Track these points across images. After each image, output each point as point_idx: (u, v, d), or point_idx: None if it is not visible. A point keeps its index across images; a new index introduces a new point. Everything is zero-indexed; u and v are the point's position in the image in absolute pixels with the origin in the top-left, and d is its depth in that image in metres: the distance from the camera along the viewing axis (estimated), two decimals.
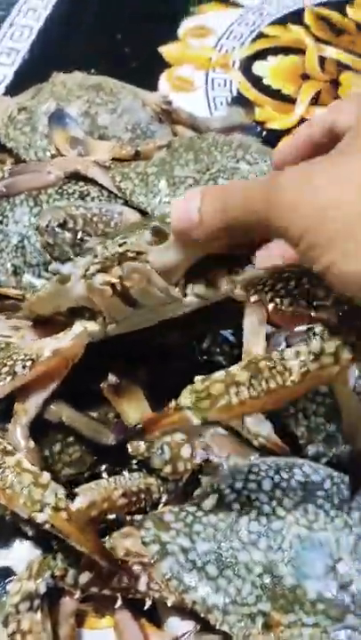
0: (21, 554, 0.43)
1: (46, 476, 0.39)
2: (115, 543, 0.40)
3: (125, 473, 0.43)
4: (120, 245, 0.40)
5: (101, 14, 0.86)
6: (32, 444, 0.43)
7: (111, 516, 0.41)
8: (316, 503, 0.40)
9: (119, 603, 0.39)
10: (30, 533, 0.42)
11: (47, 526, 0.37)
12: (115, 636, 0.40)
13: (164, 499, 0.42)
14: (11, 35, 0.78)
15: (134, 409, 0.44)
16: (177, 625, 0.40)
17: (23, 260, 0.52)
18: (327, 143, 0.36)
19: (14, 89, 0.72)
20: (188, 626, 0.39)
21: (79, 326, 0.43)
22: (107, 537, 0.40)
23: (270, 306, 0.38)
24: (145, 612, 0.40)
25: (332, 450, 0.44)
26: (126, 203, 0.54)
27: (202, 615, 0.37)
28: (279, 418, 0.44)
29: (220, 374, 0.36)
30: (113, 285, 0.39)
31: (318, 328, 0.35)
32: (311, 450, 0.44)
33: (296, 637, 0.36)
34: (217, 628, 0.36)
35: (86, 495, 0.40)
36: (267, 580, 0.37)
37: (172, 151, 0.55)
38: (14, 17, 0.80)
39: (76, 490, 0.40)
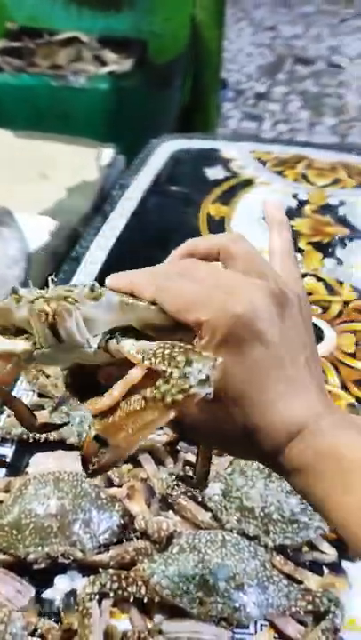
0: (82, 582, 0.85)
1: None
2: (133, 572, 0.82)
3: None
4: (67, 291, 0.50)
5: None
6: None
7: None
8: (226, 547, 0.82)
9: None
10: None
11: None
12: (129, 623, 0.81)
13: (155, 550, 0.85)
14: None
15: None
16: (161, 616, 0.81)
17: None
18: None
19: None
20: (164, 615, 0.80)
21: (17, 341, 0.51)
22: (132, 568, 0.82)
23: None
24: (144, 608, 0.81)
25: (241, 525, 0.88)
26: None
27: (169, 598, 0.78)
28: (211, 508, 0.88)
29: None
30: (47, 315, 0.48)
31: None
32: (227, 525, 0.87)
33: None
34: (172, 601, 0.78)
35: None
36: (198, 581, 0.79)
37: None
38: None
39: None
